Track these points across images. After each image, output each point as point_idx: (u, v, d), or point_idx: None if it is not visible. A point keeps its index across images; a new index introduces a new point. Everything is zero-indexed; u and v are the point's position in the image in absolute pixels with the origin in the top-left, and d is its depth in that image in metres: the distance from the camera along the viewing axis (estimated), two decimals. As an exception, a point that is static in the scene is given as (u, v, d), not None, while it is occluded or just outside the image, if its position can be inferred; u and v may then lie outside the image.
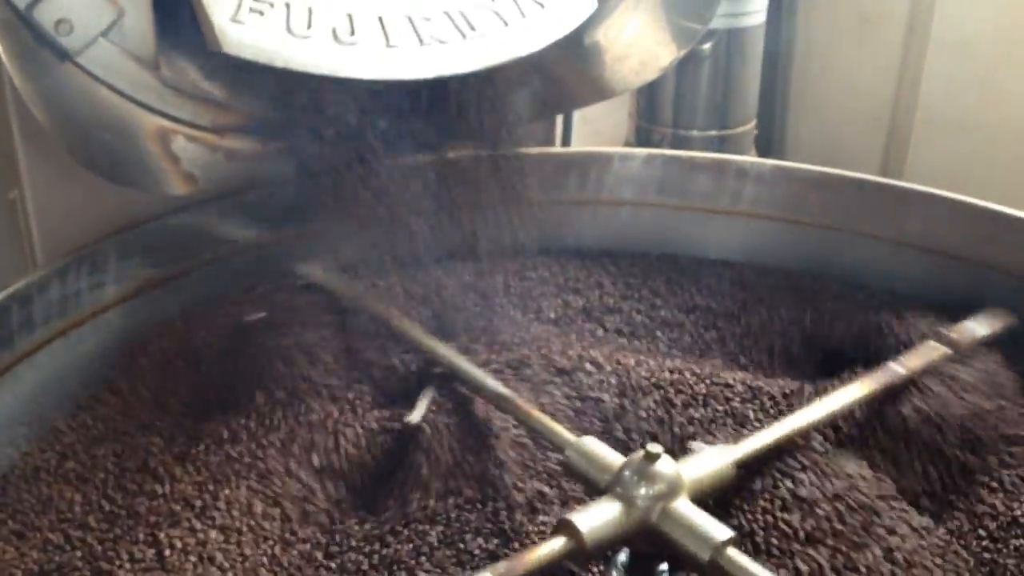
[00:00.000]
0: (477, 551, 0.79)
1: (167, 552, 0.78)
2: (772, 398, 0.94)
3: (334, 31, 0.92)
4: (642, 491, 0.73)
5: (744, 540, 0.78)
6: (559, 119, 1.37)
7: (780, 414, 0.91)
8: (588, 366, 0.97)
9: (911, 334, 1.02)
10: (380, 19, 0.95)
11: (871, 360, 0.95)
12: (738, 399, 0.94)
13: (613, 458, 0.77)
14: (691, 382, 0.96)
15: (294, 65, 0.91)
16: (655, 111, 1.64)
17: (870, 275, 1.14)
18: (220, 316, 1.02)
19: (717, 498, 0.80)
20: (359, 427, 0.90)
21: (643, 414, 0.93)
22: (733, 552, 0.70)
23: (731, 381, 0.97)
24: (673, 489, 0.73)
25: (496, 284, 1.15)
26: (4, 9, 0.84)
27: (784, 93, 2.03)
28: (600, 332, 1.12)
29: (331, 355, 0.98)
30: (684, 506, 0.73)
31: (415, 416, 0.88)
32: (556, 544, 0.70)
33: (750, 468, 0.81)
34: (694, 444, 0.84)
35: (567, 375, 0.96)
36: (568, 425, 0.86)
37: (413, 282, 1.09)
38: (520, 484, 0.85)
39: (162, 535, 0.79)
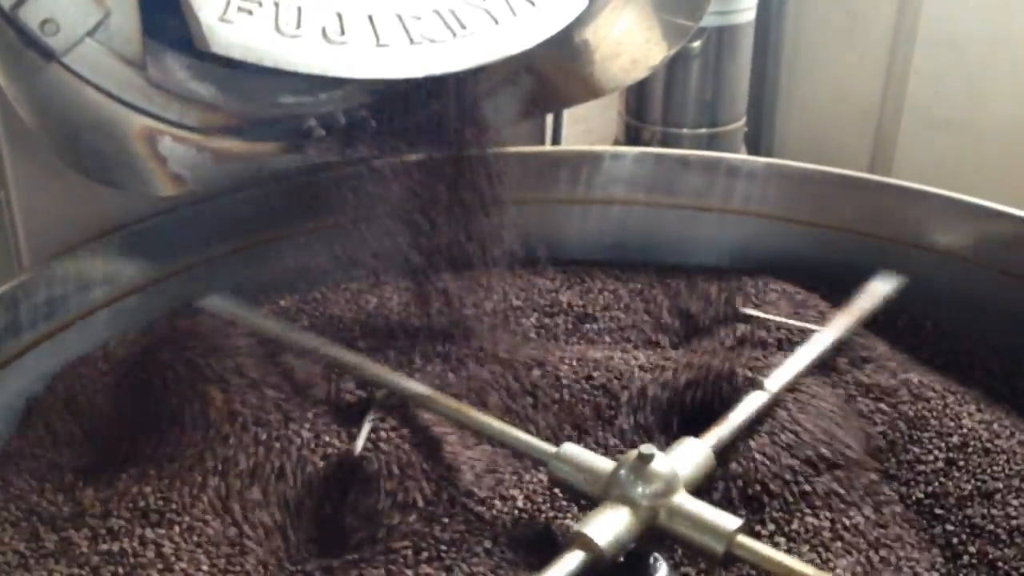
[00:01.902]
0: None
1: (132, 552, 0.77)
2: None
3: (324, 30, 0.92)
4: (641, 491, 0.72)
5: None
6: (549, 117, 1.37)
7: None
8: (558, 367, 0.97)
9: None
10: (370, 18, 0.94)
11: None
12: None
13: (602, 463, 0.77)
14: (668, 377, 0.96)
15: (283, 65, 0.90)
16: (645, 109, 1.64)
17: (859, 272, 1.14)
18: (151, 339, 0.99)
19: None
20: (303, 457, 0.84)
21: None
22: (745, 539, 0.70)
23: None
24: (672, 486, 0.73)
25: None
26: (-11, 9, 0.83)
27: (772, 91, 2.04)
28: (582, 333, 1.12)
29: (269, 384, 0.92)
30: (687, 501, 0.73)
31: (358, 445, 0.84)
32: (576, 558, 0.69)
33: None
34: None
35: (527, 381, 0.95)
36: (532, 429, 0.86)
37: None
38: (479, 490, 0.83)
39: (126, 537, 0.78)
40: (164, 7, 0.91)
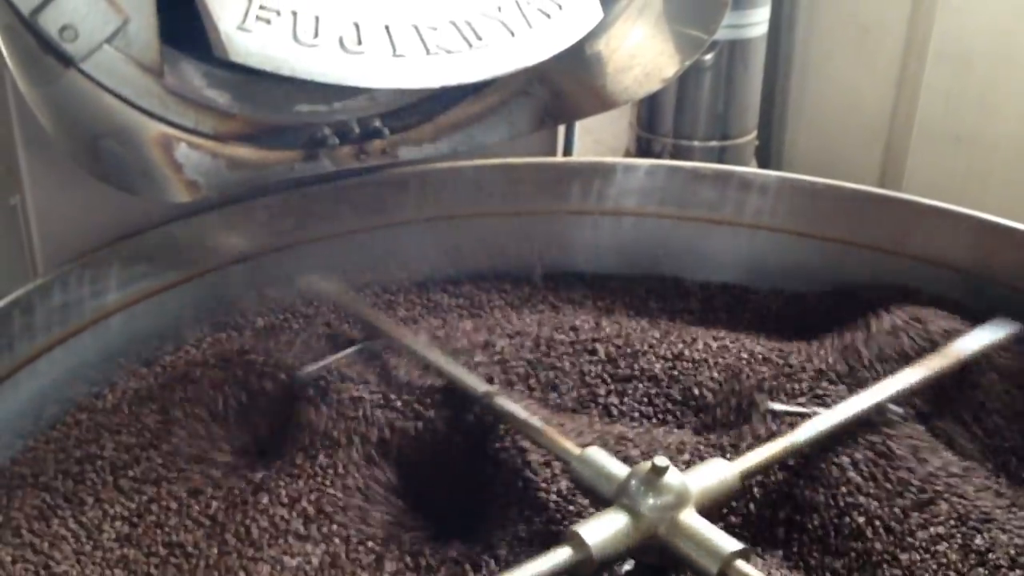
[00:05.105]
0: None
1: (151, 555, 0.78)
2: None
3: (341, 40, 0.92)
4: (649, 502, 0.72)
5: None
6: (561, 128, 1.37)
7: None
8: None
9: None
10: (387, 28, 0.95)
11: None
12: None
13: (619, 469, 0.77)
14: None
15: (300, 73, 0.91)
16: (656, 121, 1.64)
17: (871, 286, 1.14)
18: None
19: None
20: None
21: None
22: (742, 565, 0.69)
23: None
24: (680, 501, 0.73)
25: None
26: (8, 14, 0.83)
27: (782, 104, 2.04)
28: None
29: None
30: (691, 518, 0.73)
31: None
32: (562, 555, 0.69)
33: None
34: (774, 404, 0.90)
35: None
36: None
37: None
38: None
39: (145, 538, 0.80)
40: (182, 15, 0.92)
